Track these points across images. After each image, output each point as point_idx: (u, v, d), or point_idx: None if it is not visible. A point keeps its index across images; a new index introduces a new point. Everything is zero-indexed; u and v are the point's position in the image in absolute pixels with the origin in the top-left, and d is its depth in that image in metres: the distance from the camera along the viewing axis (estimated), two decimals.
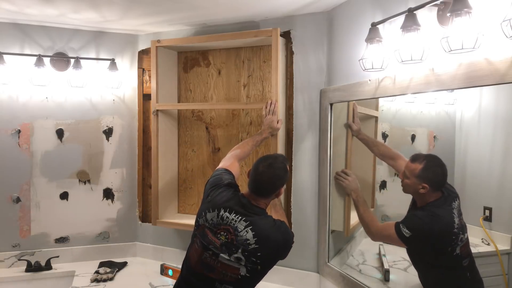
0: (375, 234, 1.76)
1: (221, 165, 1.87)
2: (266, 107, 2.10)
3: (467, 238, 1.52)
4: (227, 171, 1.78)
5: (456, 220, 1.52)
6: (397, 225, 1.57)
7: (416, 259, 1.68)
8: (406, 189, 1.64)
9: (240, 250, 1.53)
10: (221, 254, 1.55)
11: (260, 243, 1.53)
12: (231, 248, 1.54)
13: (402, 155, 1.79)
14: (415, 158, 1.59)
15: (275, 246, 1.57)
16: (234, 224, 1.54)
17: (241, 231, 1.53)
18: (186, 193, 2.61)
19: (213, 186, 1.69)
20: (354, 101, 1.97)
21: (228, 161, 1.87)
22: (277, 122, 2.08)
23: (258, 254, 1.53)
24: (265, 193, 1.62)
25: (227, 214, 1.57)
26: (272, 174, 1.60)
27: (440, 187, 1.56)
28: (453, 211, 1.53)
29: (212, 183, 1.71)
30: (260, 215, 1.58)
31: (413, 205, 1.67)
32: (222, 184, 1.68)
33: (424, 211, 1.55)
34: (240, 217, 1.55)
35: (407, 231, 1.53)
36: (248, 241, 1.52)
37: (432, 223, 1.52)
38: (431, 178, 1.54)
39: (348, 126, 2.02)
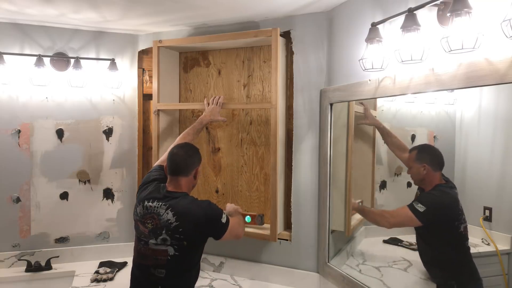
0: (390, 220, 1.89)
1: (157, 161, 2.05)
2: (209, 101, 2.26)
3: (466, 223, 1.61)
4: (159, 168, 1.92)
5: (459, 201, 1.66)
6: (410, 205, 1.70)
7: (424, 237, 1.78)
8: (414, 178, 1.79)
9: (164, 231, 1.66)
10: (150, 241, 1.69)
11: (180, 219, 1.65)
12: (156, 232, 1.67)
13: None
14: (411, 149, 1.81)
15: (195, 219, 1.67)
16: (157, 211, 1.68)
17: (163, 214, 1.67)
18: None
19: (142, 184, 1.85)
20: (354, 101, 1.98)
21: (164, 156, 1.98)
22: (220, 115, 2.24)
23: (180, 230, 1.65)
24: (183, 170, 1.74)
25: (150, 203, 1.71)
26: (184, 151, 1.78)
27: (438, 165, 1.69)
28: (457, 193, 1.68)
29: (143, 182, 1.87)
30: (179, 198, 1.70)
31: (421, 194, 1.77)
32: (148, 181, 1.84)
33: (434, 190, 1.70)
34: (161, 203, 1.69)
35: (421, 205, 1.66)
36: (169, 221, 1.65)
37: (443, 197, 1.70)
38: (427, 157, 1.73)
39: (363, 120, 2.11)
